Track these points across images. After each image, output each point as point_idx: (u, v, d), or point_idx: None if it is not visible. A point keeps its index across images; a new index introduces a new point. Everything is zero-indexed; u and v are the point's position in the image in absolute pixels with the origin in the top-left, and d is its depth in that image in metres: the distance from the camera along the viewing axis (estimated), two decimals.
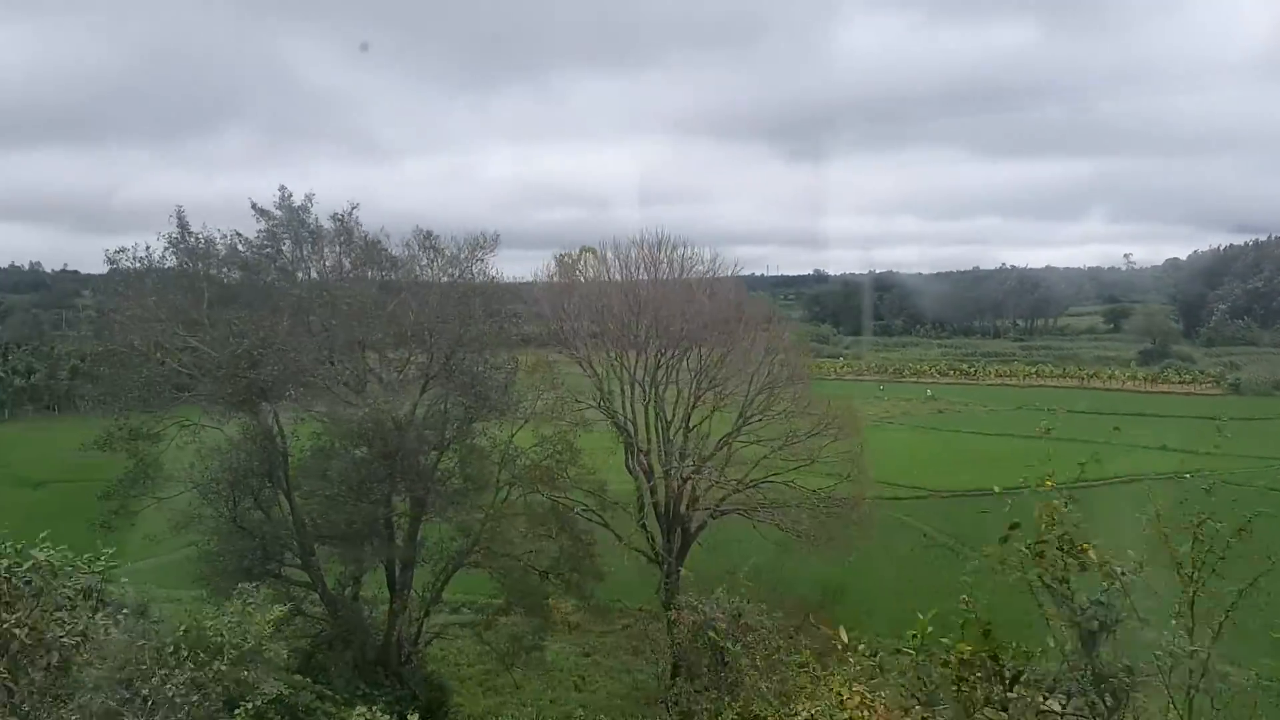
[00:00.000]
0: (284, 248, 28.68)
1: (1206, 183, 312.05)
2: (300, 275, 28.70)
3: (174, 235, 26.43)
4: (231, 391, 24.64)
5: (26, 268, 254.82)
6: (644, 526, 36.10)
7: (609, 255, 39.92)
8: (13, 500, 63.34)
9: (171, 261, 27.04)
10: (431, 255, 29.96)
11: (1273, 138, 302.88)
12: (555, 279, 43.45)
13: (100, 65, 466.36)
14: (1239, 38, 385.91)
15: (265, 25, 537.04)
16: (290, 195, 28.17)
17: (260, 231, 28.17)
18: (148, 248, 26.51)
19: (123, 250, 26.40)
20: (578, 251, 44.24)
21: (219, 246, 27.67)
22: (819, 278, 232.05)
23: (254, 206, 28.19)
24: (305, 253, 28.56)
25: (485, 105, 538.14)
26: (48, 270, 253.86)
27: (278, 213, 28.14)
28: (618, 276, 39.24)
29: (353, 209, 28.89)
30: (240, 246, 27.91)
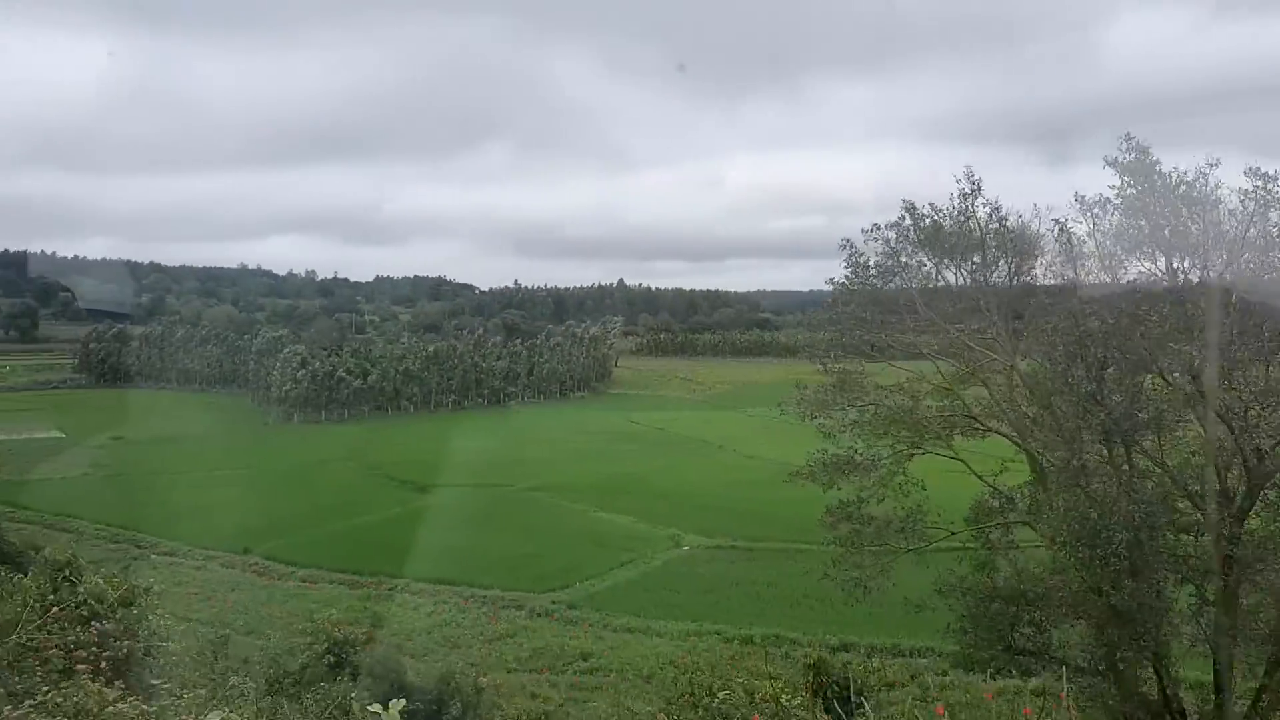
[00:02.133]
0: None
1: None
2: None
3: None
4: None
5: (303, 275, 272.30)
6: None
7: None
8: (414, 504, 62.72)
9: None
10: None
11: None
12: None
13: (372, 88, 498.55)
14: None
15: (526, 44, 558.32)
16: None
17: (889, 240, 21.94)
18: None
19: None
20: None
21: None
22: None
23: (908, 209, 21.73)
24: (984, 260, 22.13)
25: (733, 113, 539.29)
26: (320, 278, 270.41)
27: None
28: None
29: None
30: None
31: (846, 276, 20.87)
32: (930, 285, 20.85)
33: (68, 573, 9.25)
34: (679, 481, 70.48)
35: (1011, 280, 20.05)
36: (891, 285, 20.74)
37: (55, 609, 8.19)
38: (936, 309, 20.65)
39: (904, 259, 20.54)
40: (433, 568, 47.08)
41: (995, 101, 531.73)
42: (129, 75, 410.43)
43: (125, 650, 8.28)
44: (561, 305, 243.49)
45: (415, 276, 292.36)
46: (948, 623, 20.28)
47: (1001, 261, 19.78)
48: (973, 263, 19.90)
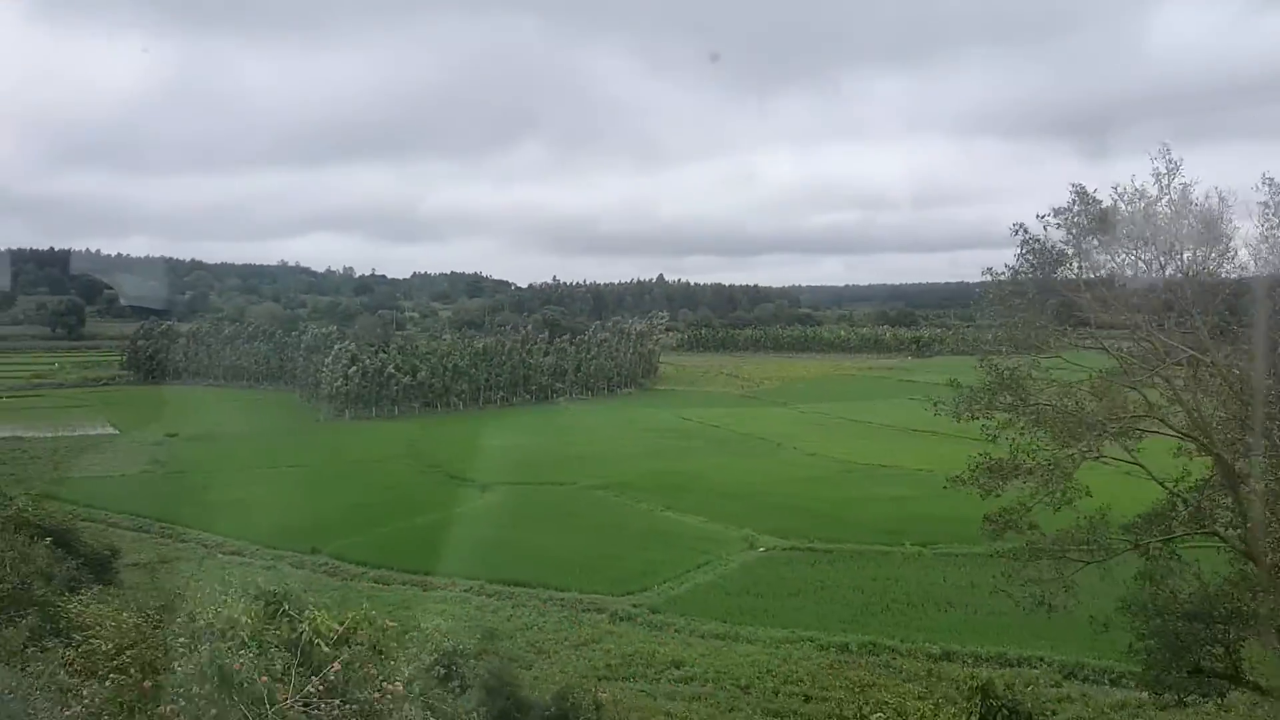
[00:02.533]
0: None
1: None
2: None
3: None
4: None
5: (340, 272, 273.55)
6: None
7: None
8: (476, 502, 61.78)
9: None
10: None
11: None
12: None
13: (408, 86, 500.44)
14: None
15: (560, 40, 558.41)
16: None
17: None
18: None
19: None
20: None
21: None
22: None
23: (1079, 193, 19.86)
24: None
25: (767, 107, 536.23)
26: (358, 275, 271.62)
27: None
28: None
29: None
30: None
31: (1018, 266, 19.13)
32: (1108, 274, 19.14)
33: (285, 607, 7.88)
34: (742, 480, 68.86)
35: (1208, 271, 18.21)
36: (1070, 274, 19.03)
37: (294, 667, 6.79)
38: (1119, 301, 18.89)
39: (1075, 248, 18.82)
40: (506, 568, 45.88)
41: (1032, 94, 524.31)
42: (169, 75, 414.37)
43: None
44: (601, 301, 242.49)
45: (452, 273, 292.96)
46: (1129, 642, 18.63)
47: (1198, 250, 18.00)
48: (1164, 252, 18.14)
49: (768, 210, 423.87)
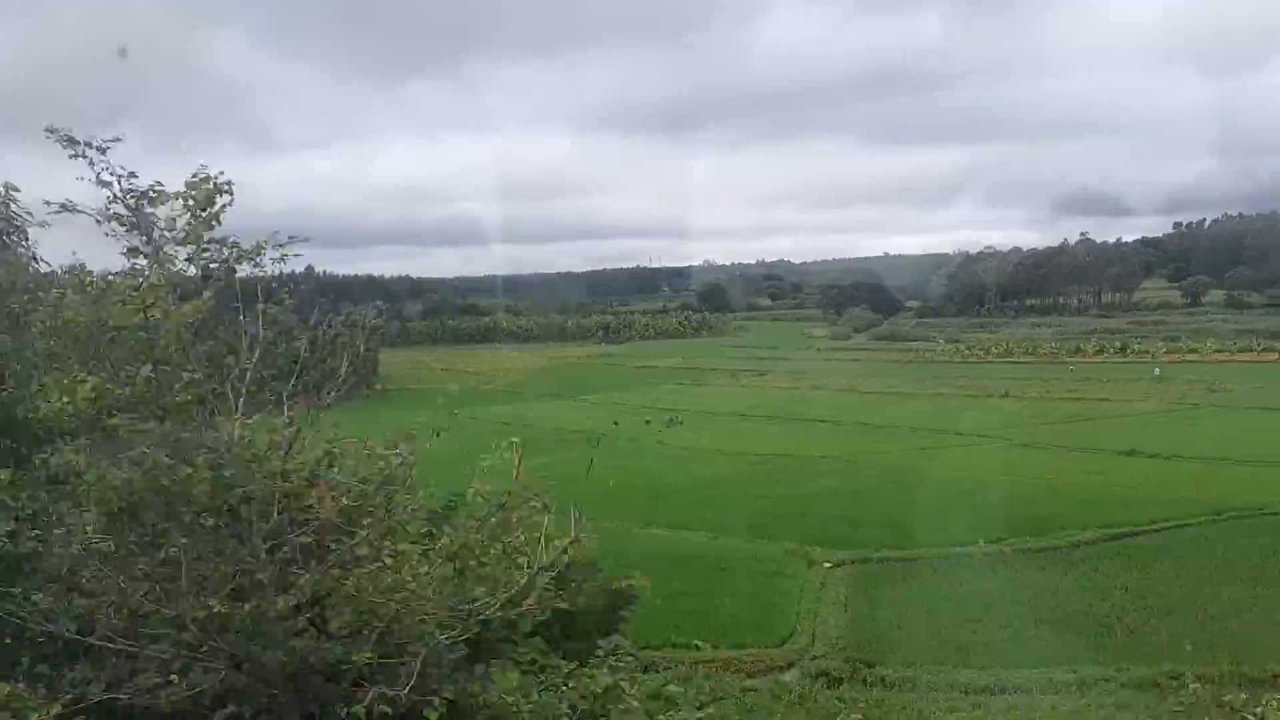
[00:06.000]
0: None
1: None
2: None
3: None
4: None
5: None
6: None
7: None
8: None
9: None
10: None
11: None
12: None
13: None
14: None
15: (174, 17, 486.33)
16: None
17: None
18: None
19: None
20: None
21: None
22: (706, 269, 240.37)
23: None
24: None
25: (392, 96, 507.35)
26: None
27: None
28: None
29: None
30: None
31: None
32: None
33: None
34: (657, 483, 56.79)
35: None
36: None
37: None
38: None
39: None
40: None
41: (657, 92, 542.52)
42: None
43: None
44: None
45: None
46: None
47: None
48: None
49: (391, 201, 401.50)
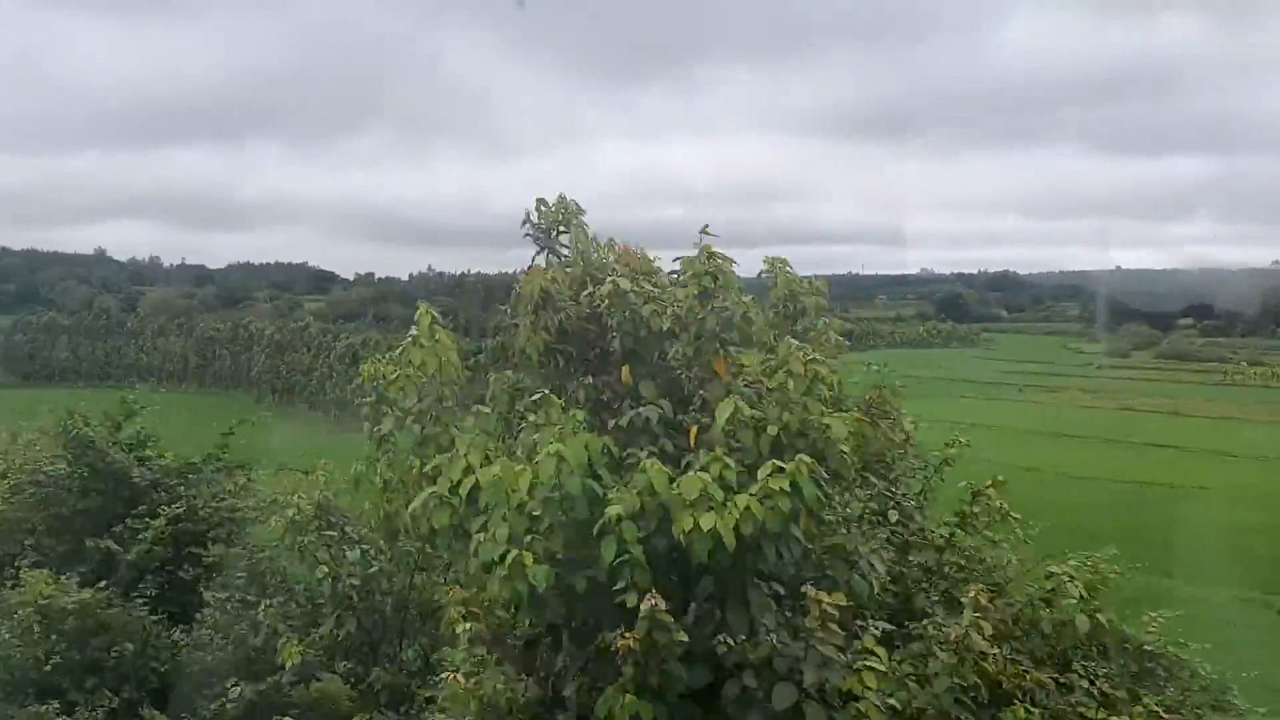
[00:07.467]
0: None
1: None
2: None
3: None
4: None
5: (146, 260, 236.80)
6: None
7: None
8: None
9: None
10: None
11: None
12: None
13: (245, 64, 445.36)
14: None
15: (416, 20, 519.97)
16: None
17: None
18: None
19: None
20: None
21: None
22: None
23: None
24: None
25: (618, 101, 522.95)
26: (165, 265, 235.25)
27: None
28: None
29: None
30: None
31: None
32: None
33: None
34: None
35: None
36: None
37: None
38: None
39: None
40: None
41: (886, 95, 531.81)
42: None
43: None
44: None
45: (276, 263, 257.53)
46: None
47: None
48: None
49: (607, 203, 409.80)
